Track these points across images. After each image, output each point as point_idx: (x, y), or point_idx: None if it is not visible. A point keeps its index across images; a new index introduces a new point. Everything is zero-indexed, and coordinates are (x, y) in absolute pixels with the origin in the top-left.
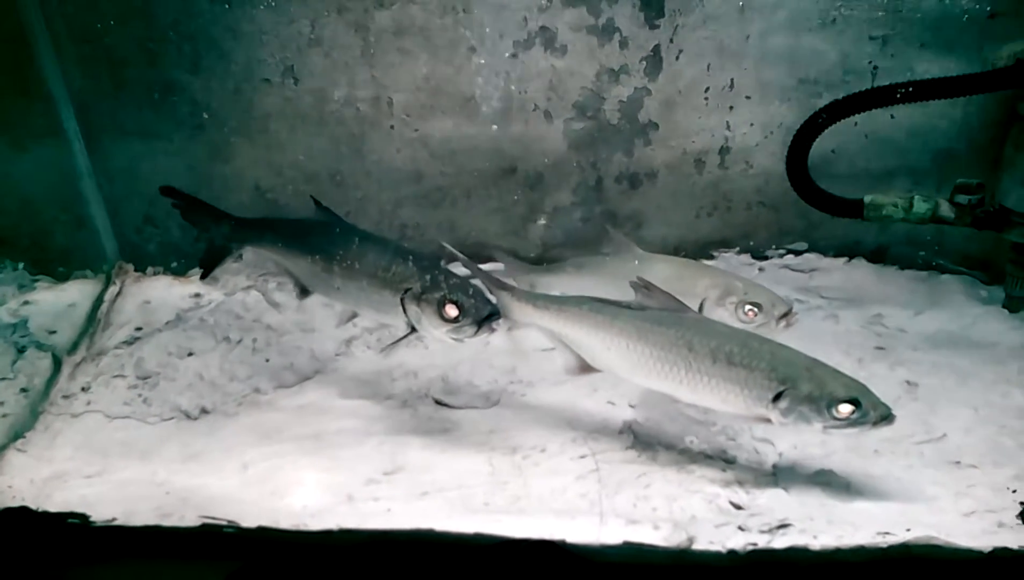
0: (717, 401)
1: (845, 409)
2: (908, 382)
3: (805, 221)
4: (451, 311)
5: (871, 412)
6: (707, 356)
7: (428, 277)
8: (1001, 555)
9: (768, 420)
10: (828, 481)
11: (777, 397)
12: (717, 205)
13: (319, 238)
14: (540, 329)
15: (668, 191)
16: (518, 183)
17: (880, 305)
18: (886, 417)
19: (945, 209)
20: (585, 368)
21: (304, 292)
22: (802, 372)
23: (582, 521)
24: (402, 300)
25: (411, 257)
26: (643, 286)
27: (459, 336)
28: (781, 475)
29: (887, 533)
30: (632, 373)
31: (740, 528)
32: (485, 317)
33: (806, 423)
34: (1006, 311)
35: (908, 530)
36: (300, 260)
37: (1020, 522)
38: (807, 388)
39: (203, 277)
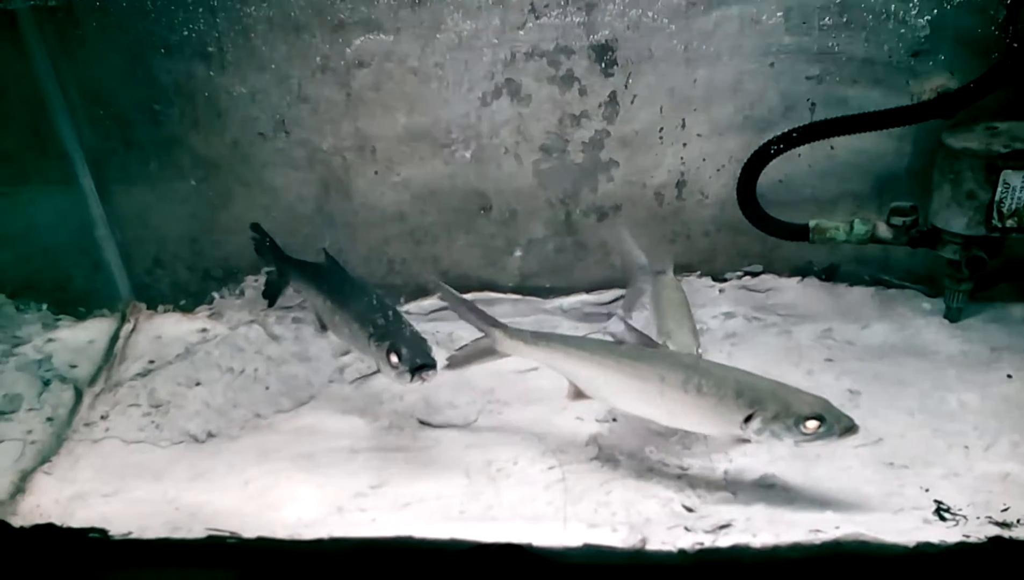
0: (694, 426)
1: (812, 425)
2: (851, 391)
3: (761, 245)
4: (393, 358)
5: (835, 425)
6: (679, 387)
7: (385, 325)
8: (924, 550)
9: (746, 439)
10: (772, 484)
11: (748, 419)
12: (678, 233)
13: (326, 282)
14: (535, 362)
15: (632, 222)
16: (494, 219)
17: (830, 320)
18: (850, 428)
19: (883, 230)
20: (579, 394)
21: (323, 327)
22: (767, 395)
23: (547, 526)
24: (369, 342)
25: (379, 305)
26: (623, 322)
27: (400, 381)
28: (730, 480)
29: (818, 531)
30: (614, 401)
31: (687, 529)
32: (418, 367)
33: (778, 440)
34: (947, 322)
35: (837, 527)
36: (316, 299)
37: (938, 519)
38: (774, 409)
39: (269, 306)
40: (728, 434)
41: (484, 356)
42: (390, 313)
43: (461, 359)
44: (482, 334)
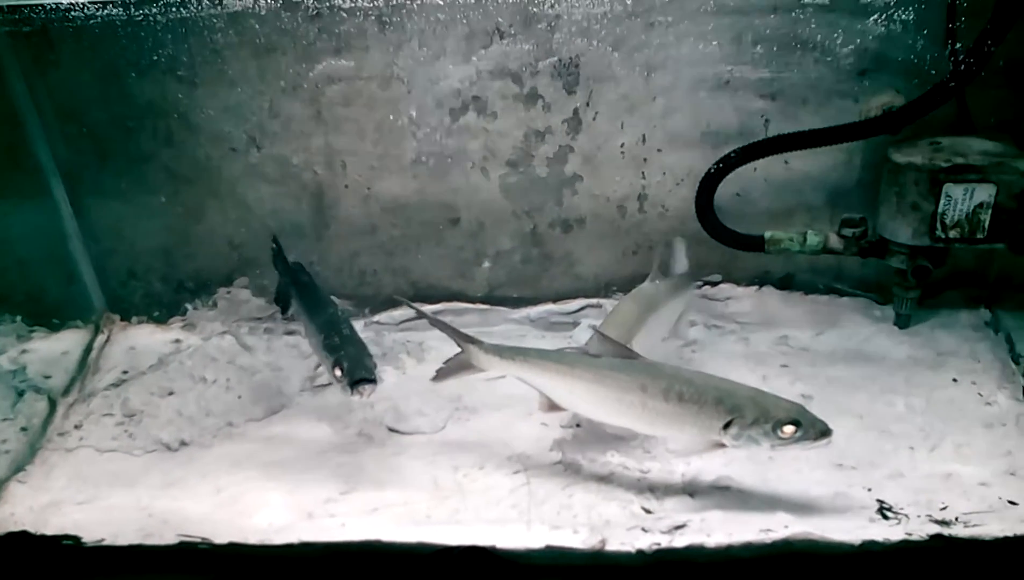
0: (674, 433)
1: (789, 429)
2: (804, 395)
3: (720, 255)
4: (337, 371)
5: (811, 430)
6: (659, 396)
7: (337, 338)
8: (869, 548)
9: (723, 445)
10: (728, 486)
11: (727, 425)
12: (640, 244)
13: (304, 296)
14: (511, 376)
15: (596, 234)
16: (462, 231)
17: (786, 327)
18: (825, 432)
19: (834, 241)
20: (553, 406)
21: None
22: (746, 401)
23: (511, 528)
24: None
25: (339, 319)
26: (600, 335)
27: (344, 393)
28: (688, 482)
29: (769, 530)
30: (593, 413)
31: (644, 530)
32: (357, 381)
33: (756, 445)
34: (896, 328)
35: (786, 527)
36: (298, 311)
37: (880, 517)
38: (752, 415)
39: (282, 313)
40: (707, 440)
41: (464, 370)
42: (346, 328)
43: (444, 373)
44: (460, 350)
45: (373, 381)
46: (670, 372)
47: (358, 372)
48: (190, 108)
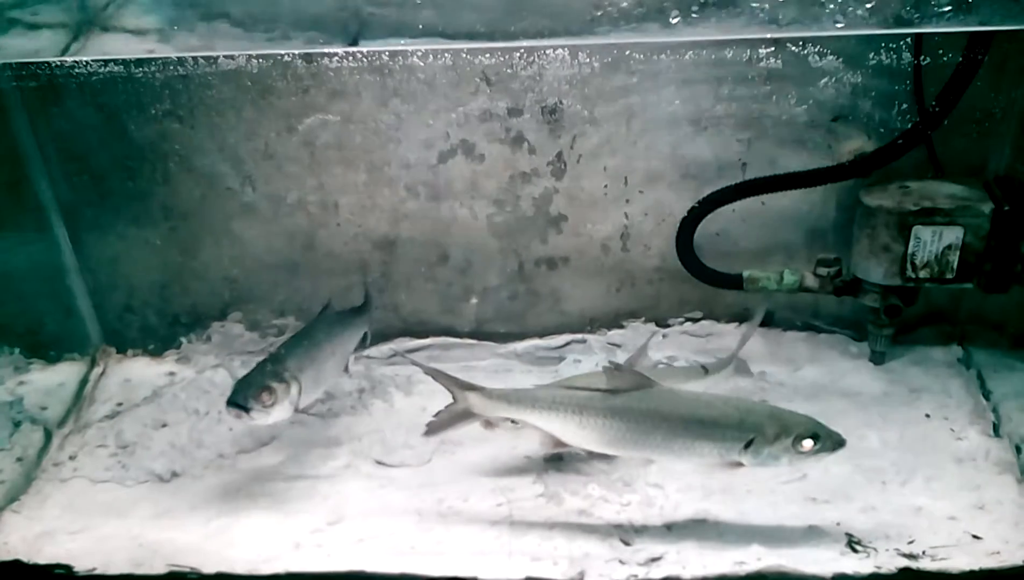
0: (695, 457)
1: (808, 443)
2: None
3: (701, 293)
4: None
5: (828, 441)
6: (679, 421)
7: (258, 362)
8: None
9: (741, 464)
10: (705, 518)
11: (748, 444)
12: (623, 282)
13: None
14: (517, 419)
15: (581, 271)
16: (451, 269)
17: (765, 363)
18: (840, 443)
19: (810, 280)
20: (559, 445)
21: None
22: (766, 418)
23: (493, 559)
24: None
25: (284, 352)
26: (613, 368)
27: None
28: (666, 514)
29: (743, 563)
30: (608, 447)
31: (621, 562)
32: (228, 401)
33: (775, 462)
34: (871, 364)
35: (759, 559)
36: None
37: (850, 550)
38: (773, 432)
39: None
40: (727, 461)
41: (461, 420)
42: (291, 362)
43: (438, 426)
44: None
45: (241, 407)
46: (686, 397)
47: (232, 395)
48: (188, 149)
